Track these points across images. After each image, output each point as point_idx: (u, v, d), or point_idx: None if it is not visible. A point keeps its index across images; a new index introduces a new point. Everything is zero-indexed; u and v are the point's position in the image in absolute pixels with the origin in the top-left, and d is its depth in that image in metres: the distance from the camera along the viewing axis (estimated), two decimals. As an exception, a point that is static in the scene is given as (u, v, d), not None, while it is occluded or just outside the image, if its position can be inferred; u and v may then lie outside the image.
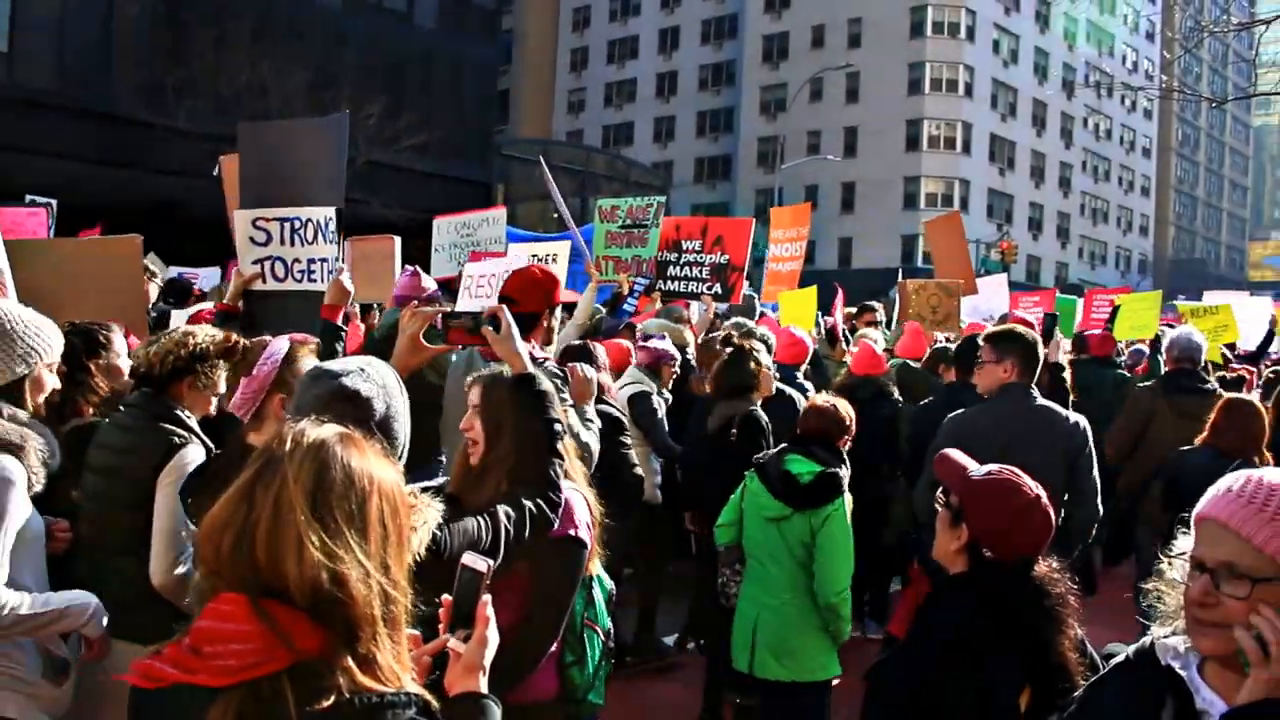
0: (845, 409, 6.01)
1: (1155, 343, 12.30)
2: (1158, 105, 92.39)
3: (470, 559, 2.40)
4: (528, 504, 3.40)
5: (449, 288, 8.53)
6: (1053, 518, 3.48)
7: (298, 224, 6.31)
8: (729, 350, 7.33)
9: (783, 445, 5.97)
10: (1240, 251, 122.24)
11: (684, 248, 11.17)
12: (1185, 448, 7.05)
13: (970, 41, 72.04)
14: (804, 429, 5.96)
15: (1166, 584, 2.41)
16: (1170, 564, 2.42)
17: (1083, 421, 6.08)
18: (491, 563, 2.41)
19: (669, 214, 11.78)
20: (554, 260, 9.05)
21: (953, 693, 3.26)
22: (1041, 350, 6.36)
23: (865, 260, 66.53)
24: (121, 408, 4.31)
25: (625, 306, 11.06)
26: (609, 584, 4.23)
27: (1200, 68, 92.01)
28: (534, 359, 4.86)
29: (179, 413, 4.17)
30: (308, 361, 3.72)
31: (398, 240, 10.14)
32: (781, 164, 58.74)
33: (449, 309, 4.08)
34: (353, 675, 1.97)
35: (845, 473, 5.74)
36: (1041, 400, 6.15)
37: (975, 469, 3.54)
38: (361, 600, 1.98)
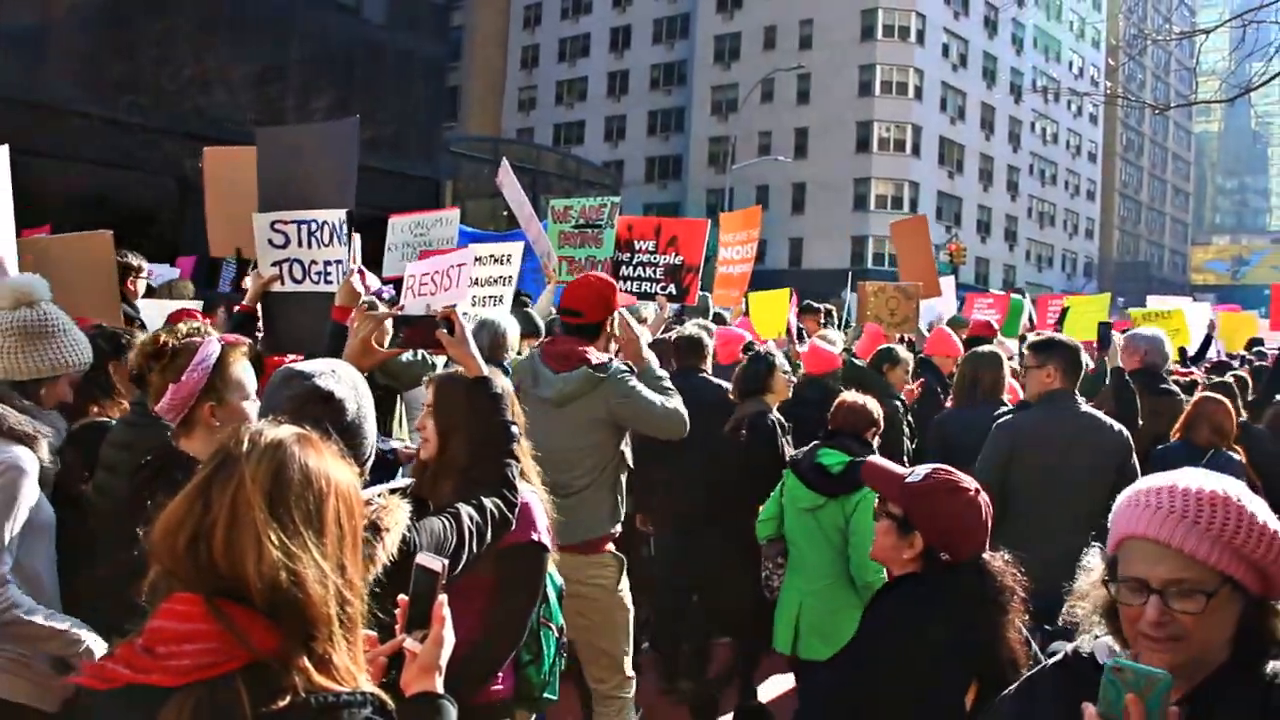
0: (873, 404, 6.29)
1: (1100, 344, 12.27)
2: (1103, 111, 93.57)
3: (425, 559, 2.40)
4: (488, 504, 3.40)
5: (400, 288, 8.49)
6: (989, 509, 3.52)
7: (314, 226, 6.36)
8: (747, 354, 7.66)
9: (815, 440, 6.22)
10: (1183, 255, 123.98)
11: (637, 248, 11.10)
12: (1162, 445, 7.36)
13: (920, 45, 72.44)
14: (834, 424, 6.23)
15: (1078, 596, 2.46)
16: (1085, 578, 2.46)
17: (1124, 428, 6.31)
18: (446, 562, 2.41)
19: (620, 214, 11.71)
20: (508, 260, 8.93)
21: (901, 691, 3.30)
22: (1085, 357, 6.63)
23: (815, 261, 66.82)
24: (132, 405, 4.33)
25: None
26: (559, 580, 4.23)
27: (1144, 75, 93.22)
28: (597, 363, 5.49)
29: None
30: (240, 367, 3.66)
31: (357, 238, 10.11)
32: (732, 164, 58.83)
33: (399, 311, 4.02)
34: (309, 675, 1.97)
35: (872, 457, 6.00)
36: (1086, 406, 6.37)
37: (910, 475, 3.59)
38: (318, 600, 1.98)
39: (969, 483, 3.53)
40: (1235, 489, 2.26)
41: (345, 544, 2.09)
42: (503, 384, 3.76)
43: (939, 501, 3.46)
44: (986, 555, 3.45)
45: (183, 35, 34.05)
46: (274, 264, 6.47)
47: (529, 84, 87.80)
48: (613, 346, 5.90)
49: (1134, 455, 6.20)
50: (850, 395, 6.44)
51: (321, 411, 2.91)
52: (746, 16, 76.42)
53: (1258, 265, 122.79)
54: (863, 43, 71.86)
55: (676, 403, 5.69)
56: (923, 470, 3.58)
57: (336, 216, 6.32)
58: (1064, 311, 13.99)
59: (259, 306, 6.52)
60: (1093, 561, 2.46)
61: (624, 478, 5.86)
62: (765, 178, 68.95)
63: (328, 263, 6.34)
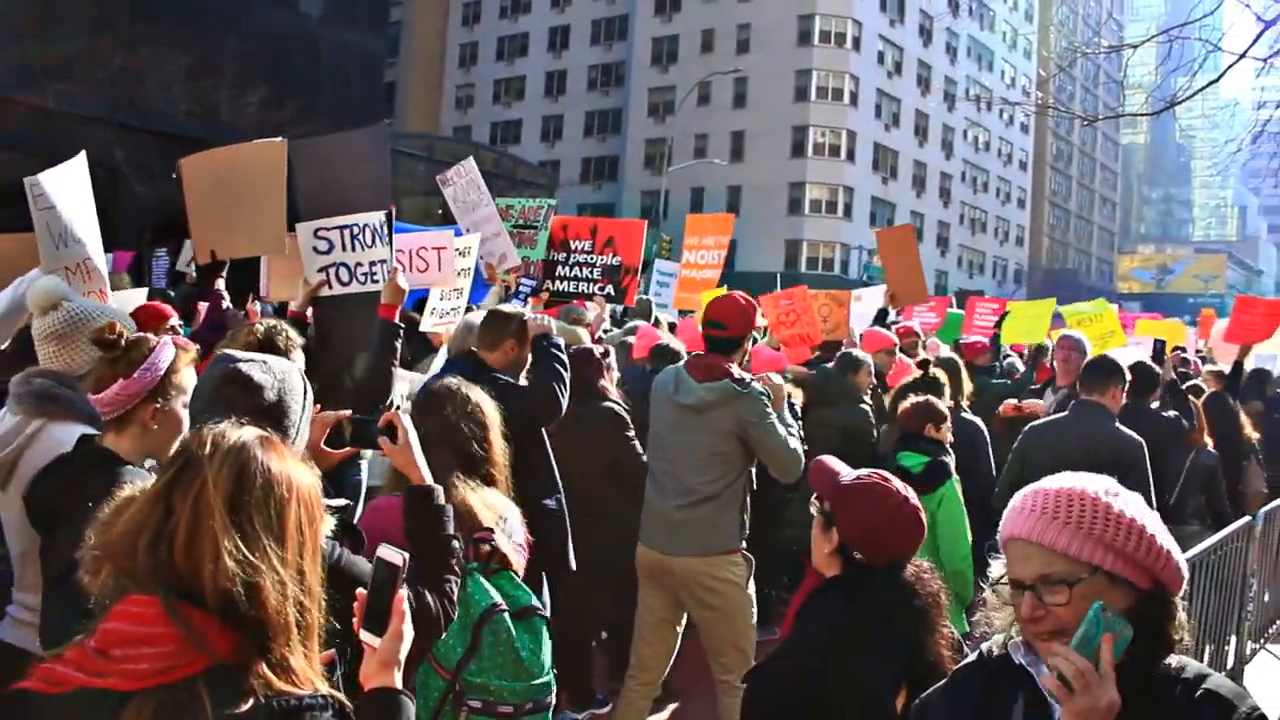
0: (935, 401, 6.73)
1: (1037, 351, 12.36)
2: (1034, 120, 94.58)
3: (387, 552, 2.35)
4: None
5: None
6: (923, 518, 3.56)
7: (355, 230, 6.53)
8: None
9: (895, 441, 6.61)
10: (1109, 263, 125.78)
11: (572, 248, 11.07)
12: None
13: (856, 52, 72.92)
14: (904, 426, 6.68)
15: (991, 608, 2.53)
16: (993, 591, 2.53)
17: (1138, 438, 6.95)
18: (406, 556, 2.36)
19: (555, 214, 11.73)
20: (468, 252, 8.97)
21: (828, 696, 3.29)
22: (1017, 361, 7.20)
23: (749, 264, 66.69)
24: None
25: None
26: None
27: (1074, 86, 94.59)
28: (739, 378, 5.76)
29: None
30: (188, 374, 3.57)
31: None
32: (669, 166, 58.83)
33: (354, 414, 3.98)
34: (267, 679, 1.96)
35: (949, 457, 6.50)
36: (1108, 419, 7.05)
37: (846, 474, 3.62)
38: (274, 607, 1.98)
39: (900, 490, 3.55)
40: (1102, 486, 2.38)
41: (305, 550, 2.09)
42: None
43: (859, 502, 3.50)
44: (906, 561, 3.48)
45: (114, 23, 33.37)
46: (320, 269, 6.62)
47: (467, 82, 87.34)
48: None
49: (1144, 466, 6.79)
50: (908, 401, 6.82)
51: (235, 394, 2.90)
52: (685, 19, 76.55)
53: (1181, 274, 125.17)
54: (799, 48, 72.25)
55: (798, 447, 5.92)
56: (860, 472, 3.63)
57: (376, 218, 6.49)
58: (1002, 316, 14.23)
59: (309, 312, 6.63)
60: (995, 570, 2.53)
61: (748, 499, 6.05)
62: (701, 180, 69.14)
63: (372, 263, 6.49)
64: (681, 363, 6.23)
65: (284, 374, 3.09)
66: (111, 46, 33.06)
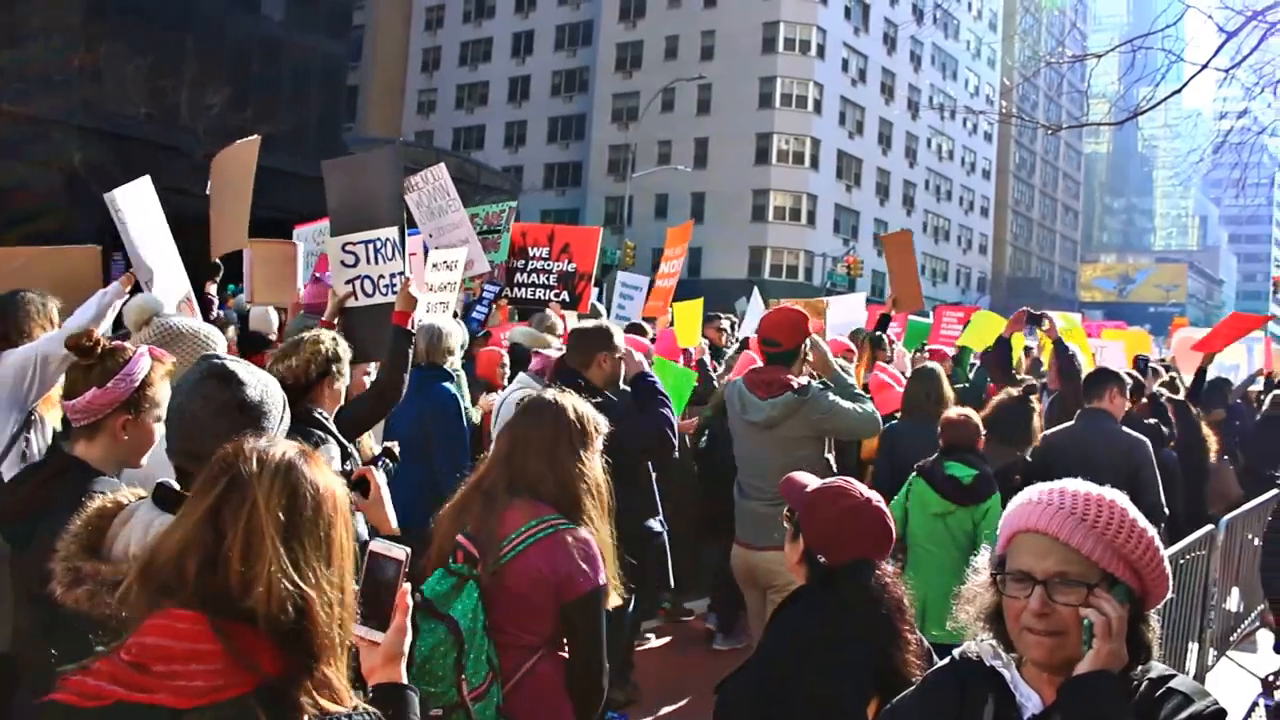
0: (975, 417, 7.10)
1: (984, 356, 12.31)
2: (997, 129, 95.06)
3: (384, 547, 2.36)
4: None
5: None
6: (889, 521, 3.61)
7: (378, 244, 6.91)
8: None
9: (938, 453, 6.92)
10: (1072, 272, 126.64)
11: (530, 255, 11.21)
12: None
13: (820, 59, 73.04)
14: (947, 440, 6.94)
15: (966, 599, 2.59)
16: (973, 580, 2.59)
17: (1144, 439, 7.72)
18: (408, 551, 2.37)
19: (517, 220, 11.75)
20: (455, 266, 9.18)
21: (796, 705, 3.35)
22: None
23: (714, 271, 66.91)
24: None
25: (474, 315, 10.86)
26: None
27: (1037, 95, 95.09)
28: (799, 387, 6.17)
29: (317, 414, 4.73)
30: (163, 387, 3.50)
31: (301, 244, 10.33)
32: (632, 173, 58.80)
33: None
34: (315, 698, 1.98)
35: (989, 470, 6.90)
36: (1113, 424, 7.79)
37: (812, 484, 3.72)
38: (324, 627, 2.01)
39: (861, 494, 3.60)
40: (1118, 495, 2.45)
41: (347, 567, 2.12)
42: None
43: (819, 506, 3.58)
44: (870, 565, 3.48)
45: (70, 24, 32.92)
46: (347, 282, 6.99)
47: (429, 87, 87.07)
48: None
49: (1152, 465, 7.53)
50: (953, 412, 7.19)
51: (216, 387, 2.94)
52: (649, 25, 76.43)
53: (1142, 283, 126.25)
54: (764, 55, 72.23)
55: (869, 405, 6.44)
56: (824, 480, 3.74)
57: (391, 233, 6.87)
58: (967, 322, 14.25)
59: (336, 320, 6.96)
60: (981, 562, 2.59)
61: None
62: (665, 187, 69.11)
63: (392, 275, 6.81)
64: (740, 380, 6.59)
65: (267, 380, 3.11)
66: (68, 48, 32.65)
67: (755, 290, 19.00)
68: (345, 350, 5.00)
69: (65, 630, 2.06)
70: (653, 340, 10.80)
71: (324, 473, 2.14)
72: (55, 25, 32.75)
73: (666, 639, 9.56)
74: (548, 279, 11.19)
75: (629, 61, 77.44)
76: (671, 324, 13.31)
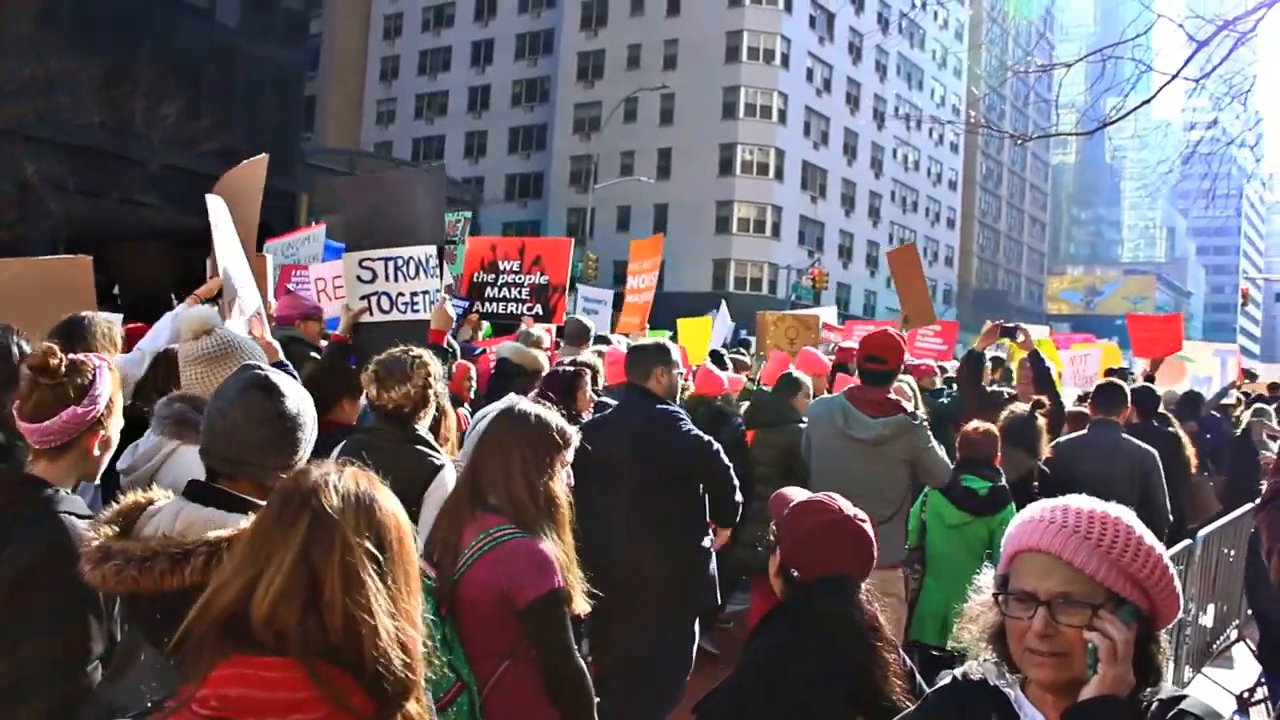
0: (994, 431, 7.39)
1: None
2: (963, 140, 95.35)
3: None
4: None
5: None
6: (869, 538, 3.54)
7: (400, 262, 7.04)
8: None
9: (955, 466, 7.12)
10: (1039, 284, 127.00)
11: (501, 268, 11.21)
12: None
13: (785, 68, 72.61)
14: (964, 454, 7.30)
15: (968, 619, 2.51)
16: (976, 599, 2.52)
17: (1150, 449, 8.25)
18: None
19: (478, 233, 11.24)
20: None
21: None
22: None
23: (677, 283, 66.04)
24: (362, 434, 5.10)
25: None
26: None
27: (1004, 106, 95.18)
28: (911, 413, 6.74)
29: (424, 434, 5.06)
30: (118, 396, 3.50)
31: (270, 257, 10.43)
32: (594, 184, 58.66)
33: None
34: None
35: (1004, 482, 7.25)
36: (1124, 434, 8.37)
37: (797, 498, 3.67)
38: (419, 665, 2.03)
39: (840, 508, 3.56)
40: (1125, 512, 2.35)
41: (420, 594, 2.13)
42: None
43: (796, 519, 3.56)
44: (847, 582, 3.44)
45: (20, 33, 32.14)
46: (362, 297, 7.13)
47: (388, 96, 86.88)
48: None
49: (1159, 473, 8.09)
50: (971, 426, 7.45)
51: (258, 399, 3.02)
52: (611, 34, 76.01)
53: (1110, 296, 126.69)
54: (727, 64, 71.82)
55: (946, 458, 6.88)
56: (810, 496, 3.68)
57: (423, 252, 7.03)
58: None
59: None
60: (984, 581, 2.53)
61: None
62: (627, 198, 68.74)
63: (414, 294, 7.02)
64: (841, 396, 6.91)
65: (303, 394, 3.21)
66: (18, 57, 31.77)
67: (723, 303, 19.09)
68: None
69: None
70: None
71: (390, 496, 2.13)
72: (5, 35, 32.05)
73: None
74: (520, 293, 11.22)
75: (590, 71, 77.01)
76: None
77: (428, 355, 5.16)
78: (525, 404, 4.27)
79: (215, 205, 6.87)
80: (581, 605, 3.96)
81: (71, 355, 3.49)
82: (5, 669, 2.94)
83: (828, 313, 16.75)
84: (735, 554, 8.50)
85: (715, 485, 6.17)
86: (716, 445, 6.18)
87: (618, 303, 19.85)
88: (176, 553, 2.68)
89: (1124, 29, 12.46)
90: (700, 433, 6.20)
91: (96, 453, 3.39)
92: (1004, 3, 68.72)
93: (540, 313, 11.03)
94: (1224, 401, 15.05)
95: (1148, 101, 12.21)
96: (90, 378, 3.38)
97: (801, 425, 8.50)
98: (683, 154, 72.22)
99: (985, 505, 7.09)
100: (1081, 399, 11.34)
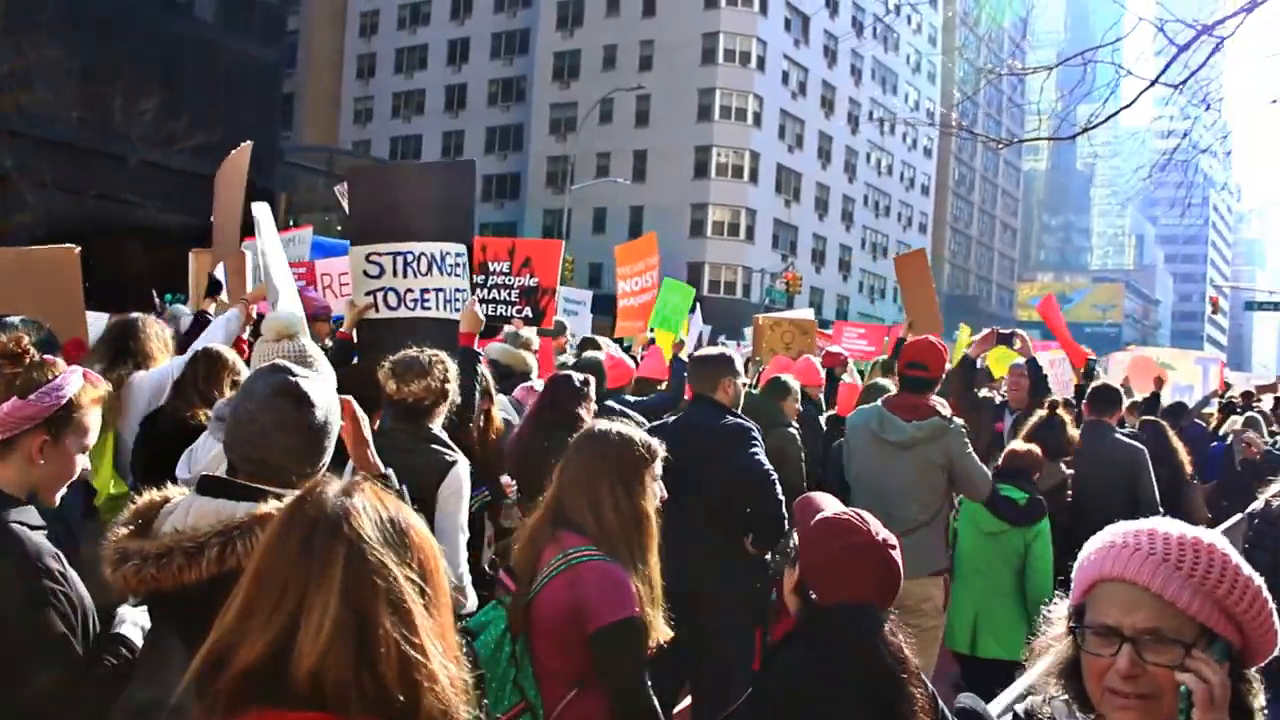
0: (1036, 450, 7.68)
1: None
2: (937, 145, 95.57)
3: None
4: None
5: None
6: (898, 566, 3.25)
7: (410, 258, 6.89)
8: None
9: (993, 475, 7.22)
10: (1010, 291, 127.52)
11: (491, 270, 11.13)
12: None
13: (760, 71, 72.71)
14: (1005, 465, 7.58)
15: (1037, 651, 2.30)
16: (1046, 631, 2.30)
17: (1140, 448, 8.90)
18: None
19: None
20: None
21: None
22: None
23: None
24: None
25: None
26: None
27: (977, 112, 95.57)
28: (948, 416, 6.77)
29: (439, 432, 5.05)
30: (93, 414, 3.33)
31: (249, 254, 10.32)
32: (571, 185, 58.42)
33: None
34: None
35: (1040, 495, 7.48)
36: (1119, 434, 9.18)
37: (826, 510, 3.40)
38: (469, 705, 1.86)
39: (872, 530, 3.25)
40: (1218, 538, 2.11)
41: None
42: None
43: (819, 538, 3.28)
44: (869, 610, 3.15)
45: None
46: (368, 292, 6.95)
47: (365, 94, 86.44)
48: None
49: (1149, 470, 8.64)
50: (1017, 443, 7.80)
51: (288, 406, 3.01)
52: (587, 34, 75.86)
53: (1079, 303, 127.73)
54: (703, 66, 71.85)
55: (986, 470, 6.95)
56: (843, 509, 3.39)
57: (438, 249, 6.86)
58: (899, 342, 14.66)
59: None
60: (1056, 612, 2.29)
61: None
62: (603, 200, 68.57)
63: (425, 290, 6.87)
64: (879, 404, 7.00)
65: (331, 400, 3.19)
66: (-2, 51, 31.78)
67: (698, 306, 18.95)
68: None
69: None
70: (637, 361, 10.81)
71: (412, 513, 1.94)
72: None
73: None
74: (509, 294, 11.12)
75: (566, 71, 76.84)
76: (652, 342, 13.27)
77: (448, 359, 5.19)
78: (603, 423, 4.23)
79: (261, 211, 7.04)
80: (664, 633, 3.86)
81: (46, 356, 3.37)
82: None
83: (804, 315, 16.87)
84: None
85: (758, 515, 6.08)
86: (772, 474, 6.10)
87: (595, 305, 19.98)
88: (190, 546, 2.67)
89: (1104, 33, 12.32)
90: (761, 457, 6.14)
91: (41, 461, 3.16)
92: (977, 8, 68.83)
93: (530, 315, 10.95)
94: (1205, 410, 15.18)
95: (1129, 105, 12.23)
96: (50, 378, 3.22)
97: (792, 429, 8.54)
98: (658, 156, 72.17)
99: (1023, 515, 7.25)
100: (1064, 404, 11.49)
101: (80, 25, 35.47)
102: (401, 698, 1.72)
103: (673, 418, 6.70)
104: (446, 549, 4.20)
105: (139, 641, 3.17)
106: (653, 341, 12.31)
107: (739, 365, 6.66)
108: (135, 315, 5.78)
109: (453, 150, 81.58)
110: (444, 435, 5.06)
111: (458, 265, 6.87)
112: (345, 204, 10.42)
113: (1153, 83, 11.60)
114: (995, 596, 7.29)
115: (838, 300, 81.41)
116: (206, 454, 4.31)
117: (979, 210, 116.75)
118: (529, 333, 10.14)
